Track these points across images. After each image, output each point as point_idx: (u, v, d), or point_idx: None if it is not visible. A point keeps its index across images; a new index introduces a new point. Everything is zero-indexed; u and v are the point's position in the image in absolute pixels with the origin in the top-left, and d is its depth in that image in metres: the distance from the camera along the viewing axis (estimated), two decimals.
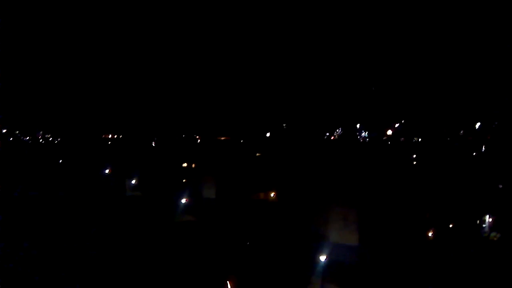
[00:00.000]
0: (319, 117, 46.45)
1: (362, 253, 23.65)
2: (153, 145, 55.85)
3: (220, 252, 24.79)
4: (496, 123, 35.99)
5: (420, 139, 44.43)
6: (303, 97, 44.73)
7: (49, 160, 54.39)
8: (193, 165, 45.21)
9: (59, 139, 67.45)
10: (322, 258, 22.25)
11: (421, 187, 31.65)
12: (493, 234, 26.99)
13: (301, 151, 45.91)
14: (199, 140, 55.32)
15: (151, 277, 22.38)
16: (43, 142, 73.12)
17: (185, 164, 45.83)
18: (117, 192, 39.90)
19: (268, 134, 50.01)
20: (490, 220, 28.03)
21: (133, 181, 40.93)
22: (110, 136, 65.87)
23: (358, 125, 45.76)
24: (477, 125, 37.90)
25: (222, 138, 54.22)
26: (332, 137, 47.92)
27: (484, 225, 28.21)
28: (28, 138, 69.50)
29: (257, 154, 47.33)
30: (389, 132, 46.33)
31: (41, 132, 68.60)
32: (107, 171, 46.04)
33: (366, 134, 46.28)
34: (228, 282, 20.81)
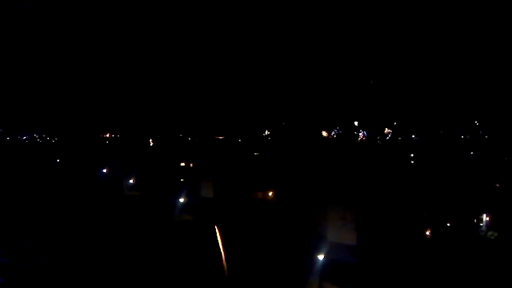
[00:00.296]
0: (317, 116, 46.43)
1: (360, 252, 23.69)
2: (151, 144, 55.77)
3: (218, 251, 24.80)
4: (494, 122, 36.08)
5: (417, 138, 44.50)
6: (301, 96, 44.69)
7: (47, 159, 54.24)
8: (191, 165, 45.15)
9: (56, 139, 67.29)
10: (320, 257, 22.29)
11: (419, 186, 31.69)
12: (490, 233, 27.06)
13: (299, 150, 45.89)
14: (196, 140, 55.31)
15: (150, 276, 22.36)
16: (40, 141, 72.92)
17: (183, 164, 45.76)
18: (115, 192, 39.83)
19: (266, 133, 49.94)
20: (488, 219, 28.10)
21: (131, 181, 40.86)
22: (108, 135, 65.74)
23: (356, 123, 45.76)
24: (475, 124, 37.98)
25: (220, 138, 54.16)
26: (327, 135, 47.89)
27: (481, 224, 28.29)
28: (25, 137, 69.32)
29: (255, 154, 47.29)
30: (387, 131, 46.39)
31: (38, 132, 68.40)
32: (104, 170, 45.94)
33: (365, 133, 46.28)
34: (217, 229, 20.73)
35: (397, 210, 28.10)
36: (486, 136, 36.99)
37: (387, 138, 46.53)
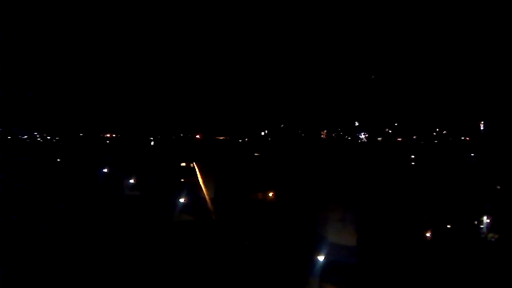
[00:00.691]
0: (317, 116, 46.40)
1: (360, 253, 23.69)
2: (152, 144, 55.78)
3: (218, 252, 24.81)
4: (495, 123, 36.05)
5: (417, 139, 44.47)
6: (301, 96, 44.66)
7: (47, 158, 54.24)
8: (192, 165, 45.16)
9: (57, 138, 67.27)
10: (320, 258, 22.29)
11: (419, 188, 31.70)
12: (491, 235, 27.07)
13: (299, 151, 45.91)
14: (198, 139, 55.32)
15: (150, 276, 22.37)
16: (41, 140, 72.90)
17: (183, 164, 45.77)
18: (115, 192, 39.83)
19: (265, 132, 49.90)
20: (488, 221, 28.11)
21: (132, 181, 40.86)
22: (108, 135, 65.73)
23: (356, 123, 45.71)
24: (476, 125, 37.94)
25: (221, 138, 54.16)
26: (324, 136, 47.86)
27: (482, 226, 28.29)
28: (26, 136, 69.29)
29: (256, 154, 47.29)
30: (387, 131, 46.35)
31: (38, 131, 68.42)
32: (105, 170, 45.92)
33: (364, 134, 46.23)
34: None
35: (397, 212, 28.11)
36: (487, 137, 36.94)
37: (388, 139, 46.51)
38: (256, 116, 49.59)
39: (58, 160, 55.08)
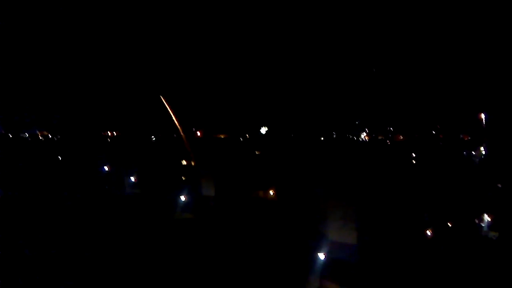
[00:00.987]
0: (318, 115, 46.35)
1: (361, 251, 23.71)
2: (153, 142, 55.83)
3: (219, 249, 24.85)
4: (496, 121, 35.98)
5: (418, 137, 44.42)
6: (302, 95, 44.63)
7: (49, 157, 54.32)
8: (193, 163, 45.20)
9: (58, 137, 67.34)
10: (321, 255, 22.31)
11: (420, 186, 31.71)
12: (491, 233, 27.06)
13: (300, 149, 45.91)
14: (198, 137, 55.31)
15: (150, 274, 22.40)
16: (42, 139, 73.01)
17: (184, 162, 45.82)
18: (116, 190, 39.93)
19: (265, 130, 49.89)
20: (489, 219, 28.08)
21: (132, 179, 40.94)
22: (109, 133, 65.80)
23: (357, 122, 45.67)
24: (477, 123, 37.87)
25: (222, 136, 54.17)
26: (323, 137, 47.92)
27: (483, 224, 28.27)
28: (27, 135, 69.38)
29: (257, 152, 47.33)
30: (388, 130, 46.31)
31: (40, 130, 68.51)
32: (106, 168, 46.00)
33: (365, 132, 46.21)
34: None
35: (398, 210, 28.14)
36: (488, 135, 36.87)
37: (389, 137, 46.48)
38: (256, 114, 49.59)
39: (59, 158, 55.19)
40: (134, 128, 56.70)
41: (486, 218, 28.16)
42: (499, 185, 31.29)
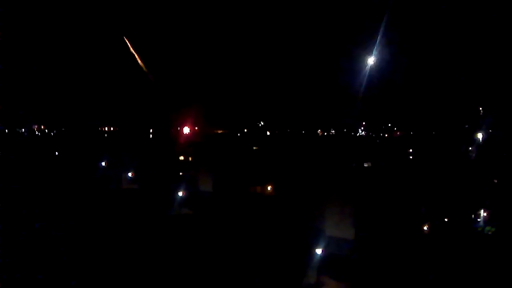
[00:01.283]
0: (315, 110, 46.35)
1: (358, 246, 23.81)
2: (150, 137, 55.74)
3: (216, 245, 24.89)
4: (493, 117, 36.06)
5: (415, 133, 44.54)
6: (301, 91, 44.58)
7: (46, 152, 54.16)
8: (190, 158, 45.18)
9: (55, 131, 67.13)
10: (318, 251, 22.38)
11: (417, 181, 31.81)
12: (488, 228, 27.20)
13: (298, 145, 45.96)
14: (198, 132, 55.24)
15: (148, 270, 22.43)
16: (39, 134, 72.75)
17: (182, 157, 45.79)
18: (113, 185, 39.85)
19: (262, 125, 49.89)
20: (485, 214, 28.22)
21: (130, 174, 40.88)
22: (107, 128, 65.60)
23: (355, 118, 45.66)
24: (473, 118, 37.94)
25: (220, 131, 54.13)
26: (320, 133, 47.95)
27: (479, 220, 28.42)
28: (24, 130, 69.11)
29: (254, 148, 47.34)
30: (386, 126, 46.38)
31: (36, 125, 68.23)
32: (103, 163, 45.89)
33: (363, 128, 46.26)
34: None
35: (395, 205, 28.23)
36: (484, 131, 36.95)
37: (386, 133, 46.58)
38: (254, 110, 49.55)
39: (56, 153, 55.06)
40: (131, 123, 56.55)
41: (483, 213, 28.31)
42: (495, 181, 31.44)
